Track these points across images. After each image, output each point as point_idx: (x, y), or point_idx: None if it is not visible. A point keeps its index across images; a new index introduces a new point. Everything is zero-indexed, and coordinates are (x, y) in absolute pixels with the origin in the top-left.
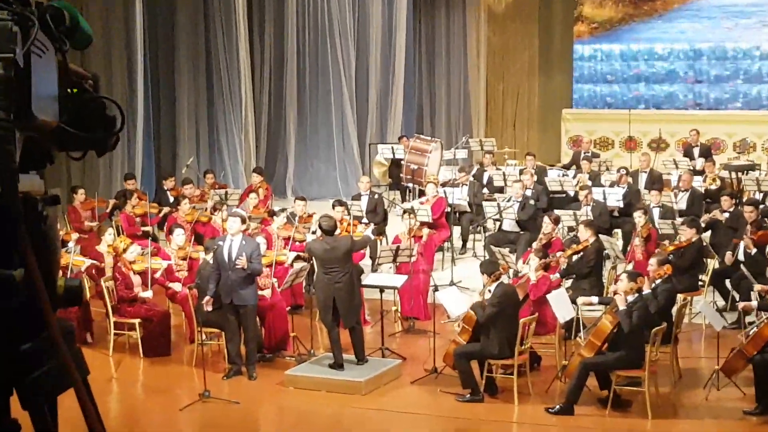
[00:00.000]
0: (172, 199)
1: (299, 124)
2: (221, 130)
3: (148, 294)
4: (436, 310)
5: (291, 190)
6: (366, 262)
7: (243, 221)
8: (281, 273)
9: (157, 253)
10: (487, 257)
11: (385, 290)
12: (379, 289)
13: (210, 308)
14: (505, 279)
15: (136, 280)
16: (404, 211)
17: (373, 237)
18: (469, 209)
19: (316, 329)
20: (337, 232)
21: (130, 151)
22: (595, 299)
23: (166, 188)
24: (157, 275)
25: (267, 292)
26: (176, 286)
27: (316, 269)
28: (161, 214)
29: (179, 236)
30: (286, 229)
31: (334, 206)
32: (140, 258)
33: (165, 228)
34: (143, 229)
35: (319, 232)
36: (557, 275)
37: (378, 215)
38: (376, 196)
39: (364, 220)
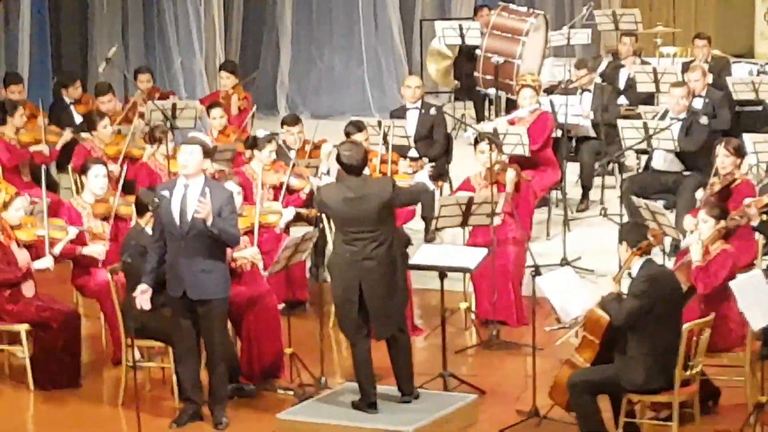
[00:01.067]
0: (80, 118)
1: None
2: None
3: (44, 264)
4: (536, 309)
5: (285, 103)
6: (415, 226)
7: (206, 153)
8: (269, 244)
9: (58, 212)
10: (626, 217)
11: (449, 275)
12: (438, 273)
13: (147, 305)
14: (656, 255)
15: (22, 256)
16: (481, 137)
17: (429, 183)
18: (593, 133)
19: (330, 341)
20: (367, 171)
21: (9, 38)
22: None
23: (69, 100)
24: (57, 249)
25: (256, 255)
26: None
27: (329, 238)
28: (63, 143)
29: (97, 180)
30: (275, 168)
31: (349, 133)
32: (29, 220)
33: (70, 167)
34: (31, 168)
35: (334, 171)
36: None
37: (436, 144)
38: (433, 111)
39: (412, 152)
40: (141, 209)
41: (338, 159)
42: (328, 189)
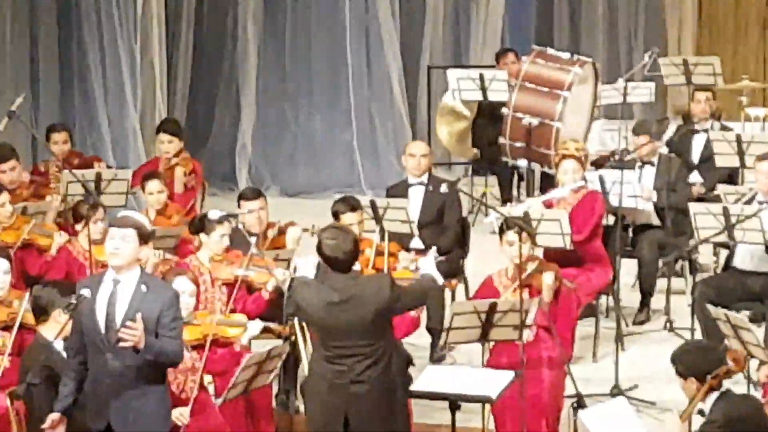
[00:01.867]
0: None
1: (266, 16)
2: (87, 35)
3: None
4: None
5: (247, 174)
6: (418, 341)
7: (143, 239)
8: (223, 363)
9: None
10: (698, 333)
11: (463, 406)
12: (449, 403)
13: None
14: (738, 383)
15: None
16: (508, 224)
17: (437, 275)
18: (656, 221)
19: None
20: (357, 266)
21: None
22: None
23: None
24: None
25: (185, 412)
26: None
27: (304, 354)
28: None
29: None
30: (229, 259)
31: (338, 213)
32: None
33: None
34: None
35: (310, 266)
36: None
37: (447, 232)
38: (444, 189)
39: (416, 242)
40: (42, 313)
41: (319, 250)
42: (305, 288)
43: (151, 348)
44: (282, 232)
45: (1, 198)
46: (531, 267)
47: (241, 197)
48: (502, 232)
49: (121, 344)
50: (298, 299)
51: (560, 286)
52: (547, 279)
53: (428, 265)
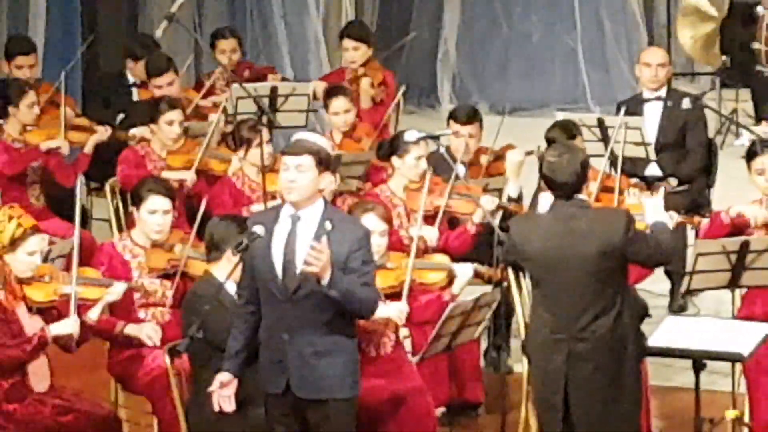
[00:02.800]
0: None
1: None
2: None
3: (66, 328)
4: None
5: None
6: (654, 287)
7: (324, 166)
8: (426, 314)
9: (91, 258)
10: None
11: (709, 365)
12: (692, 362)
13: (230, 406)
14: None
15: (35, 326)
16: (758, 147)
17: (666, 217)
18: None
19: None
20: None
21: None
22: None
23: (133, 76)
24: (94, 313)
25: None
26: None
27: (519, 303)
28: (95, 144)
29: (155, 218)
30: (428, 187)
31: (554, 140)
32: (45, 271)
33: (109, 185)
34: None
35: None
36: None
37: (691, 156)
38: (686, 104)
39: (652, 168)
40: (215, 250)
41: (542, 171)
42: (523, 223)
43: (337, 284)
44: (499, 157)
45: (171, 114)
46: None
47: (452, 117)
48: (753, 156)
49: (305, 268)
50: (514, 234)
51: None
52: None
53: (654, 206)
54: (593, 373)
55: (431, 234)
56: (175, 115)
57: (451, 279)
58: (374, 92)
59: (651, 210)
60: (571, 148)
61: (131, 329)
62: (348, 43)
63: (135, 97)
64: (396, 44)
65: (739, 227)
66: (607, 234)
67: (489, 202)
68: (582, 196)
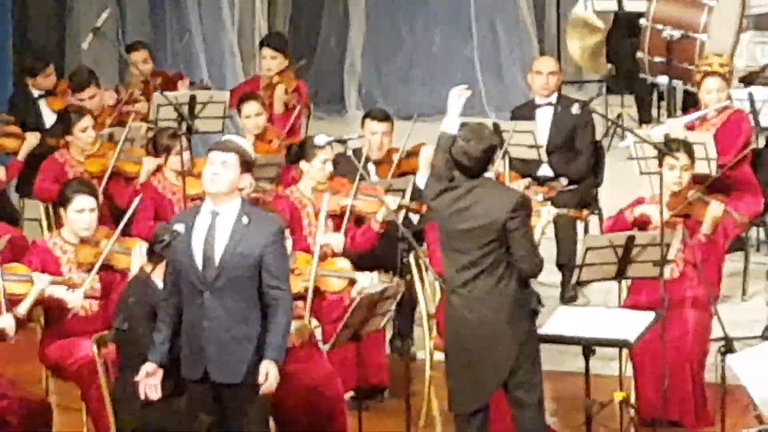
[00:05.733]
0: (53, 118)
1: None
2: None
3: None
4: (726, 402)
5: (357, 96)
6: (548, 279)
7: (245, 166)
8: (332, 311)
9: (23, 254)
10: None
11: (598, 351)
12: (582, 348)
13: (155, 394)
14: None
15: None
16: (667, 146)
17: (550, 213)
18: None
19: None
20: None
21: None
22: None
23: (38, 92)
24: (22, 308)
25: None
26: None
27: (421, 294)
28: (26, 152)
29: (81, 218)
30: (335, 188)
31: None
32: None
33: (36, 187)
34: None
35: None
36: None
37: (579, 158)
38: (575, 110)
39: (544, 169)
40: (155, 253)
41: (450, 150)
42: (439, 193)
43: (279, 354)
44: (412, 153)
45: (83, 122)
46: (692, 194)
47: (368, 116)
48: (662, 155)
49: (221, 273)
50: (430, 202)
51: (716, 216)
52: (716, 210)
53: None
54: (469, 322)
55: (337, 240)
56: (87, 122)
57: (352, 285)
58: (287, 98)
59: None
60: (480, 134)
61: (21, 308)
62: (267, 52)
63: (44, 107)
64: (300, 62)
65: (641, 225)
66: (495, 207)
67: (392, 201)
68: (488, 174)
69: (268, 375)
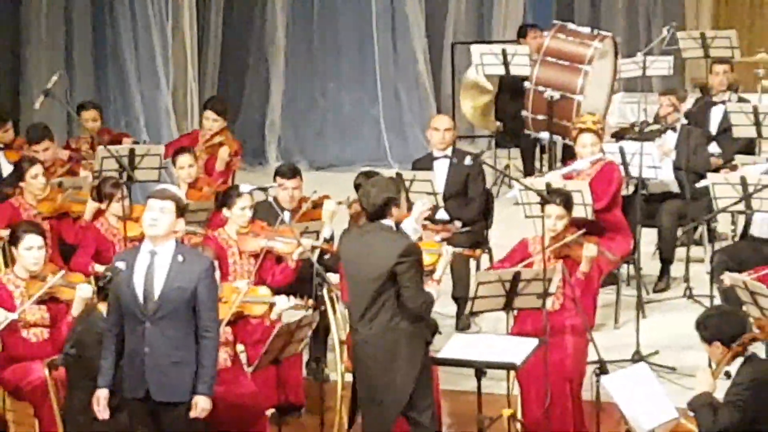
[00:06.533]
0: (9, 168)
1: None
2: (120, 14)
3: None
4: (600, 419)
5: (276, 149)
6: (445, 309)
7: (179, 211)
8: (256, 333)
9: None
10: (717, 299)
11: (489, 373)
12: (474, 370)
13: (104, 413)
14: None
15: None
16: (548, 195)
17: (448, 252)
18: (676, 189)
19: None
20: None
21: None
22: None
23: None
24: None
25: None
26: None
27: (333, 323)
28: None
29: (30, 254)
30: (254, 231)
31: (360, 186)
32: None
33: None
34: None
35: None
36: None
37: (472, 204)
38: (468, 161)
39: (441, 213)
40: (100, 287)
41: (359, 196)
42: (345, 237)
43: (210, 383)
44: (316, 205)
45: (34, 169)
46: (569, 237)
47: (278, 174)
48: (545, 203)
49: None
50: (339, 246)
51: (590, 255)
52: (590, 251)
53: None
54: (382, 367)
55: (243, 285)
56: (37, 169)
57: (271, 308)
58: (229, 160)
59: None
60: (382, 184)
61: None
62: (209, 114)
63: (2, 159)
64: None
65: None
66: (385, 254)
67: (307, 243)
68: (387, 221)
69: (198, 407)
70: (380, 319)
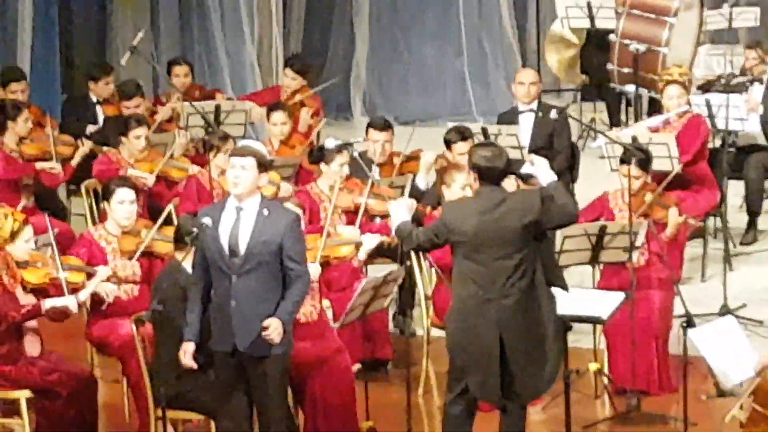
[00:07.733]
0: (102, 121)
1: None
2: None
3: (64, 302)
4: (688, 372)
5: (362, 104)
6: None
7: (262, 167)
8: (342, 282)
9: (71, 246)
10: None
11: (575, 327)
12: (561, 323)
13: (191, 362)
14: None
15: (27, 301)
16: (627, 157)
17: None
18: (764, 141)
19: (419, 413)
20: (468, 191)
21: (6, 24)
22: None
23: (96, 98)
24: (83, 294)
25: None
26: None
27: (419, 279)
28: (80, 158)
29: (122, 208)
30: (349, 187)
31: (450, 142)
32: (37, 257)
33: (84, 186)
34: (35, 189)
35: (459, 182)
36: None
37: (557, 157)
38: (553, 115)
39: (527, 167)
40: (182, 241)
41: (473, 163)
42: (457, 208)
43: (289, 317)
44: (411, 158)
45: (139, 130)
46: (649, 197)
47: (371, 126)
48: (623, 162)
49: (247, 261)
50: (447, 220)
51: (675, 206)
52: (674, 216)
53: (542, 170)
54: (521, 322)
55: (351, 232)
56: (143, 131)
57: (358, 249)
58: (311, 122)
59: (539, 172)
60: (495, 146)
61: (83, 295)
62: (288, 72)
63: (99, 113)
64: (327, 82)
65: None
66: (527, 209)
67: (371, 239)
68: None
69: (271, 327)
70: (525, 279)
